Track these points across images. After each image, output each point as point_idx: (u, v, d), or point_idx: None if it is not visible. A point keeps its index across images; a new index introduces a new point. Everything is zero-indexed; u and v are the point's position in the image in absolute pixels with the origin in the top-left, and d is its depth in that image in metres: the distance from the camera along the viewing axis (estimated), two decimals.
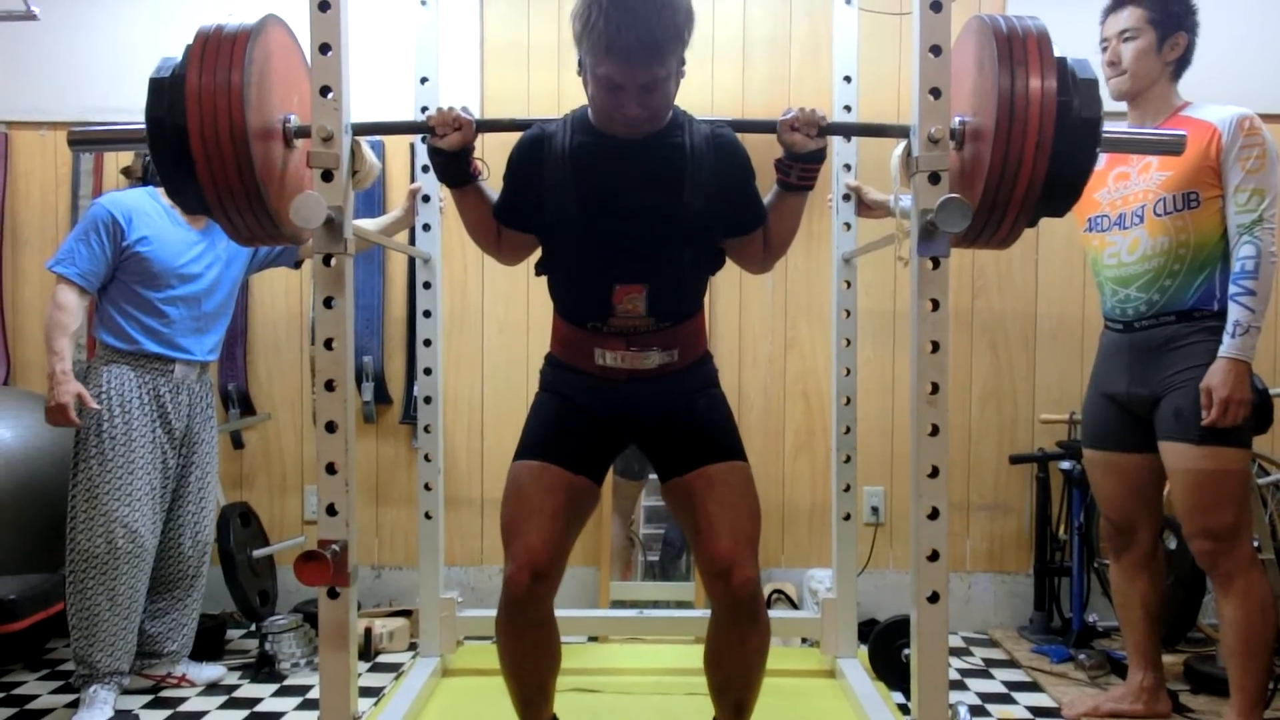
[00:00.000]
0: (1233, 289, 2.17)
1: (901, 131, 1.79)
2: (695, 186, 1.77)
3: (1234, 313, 2.17)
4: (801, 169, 1.78)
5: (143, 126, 1.63)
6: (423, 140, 1.88)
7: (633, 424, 1.87)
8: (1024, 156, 1.60)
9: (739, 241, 1.89)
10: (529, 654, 1.81)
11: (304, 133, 1.72)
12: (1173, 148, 1.83)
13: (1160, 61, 2.31)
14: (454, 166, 1.80)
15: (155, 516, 2.55)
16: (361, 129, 1.92)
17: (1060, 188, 1.64)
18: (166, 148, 1.62)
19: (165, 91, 1.61)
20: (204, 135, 1.58)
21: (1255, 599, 2.21)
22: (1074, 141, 1.62)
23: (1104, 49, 2.37)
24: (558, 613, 2.78)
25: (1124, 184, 2.36)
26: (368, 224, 2.73)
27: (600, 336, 1.81)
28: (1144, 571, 2.45)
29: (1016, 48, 1.61)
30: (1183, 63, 2.33)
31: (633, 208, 1.76)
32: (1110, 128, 1.69)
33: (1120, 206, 2.35)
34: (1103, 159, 2.44)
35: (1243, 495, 2.23)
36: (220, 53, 1.59)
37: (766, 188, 1.88)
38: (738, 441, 1.86)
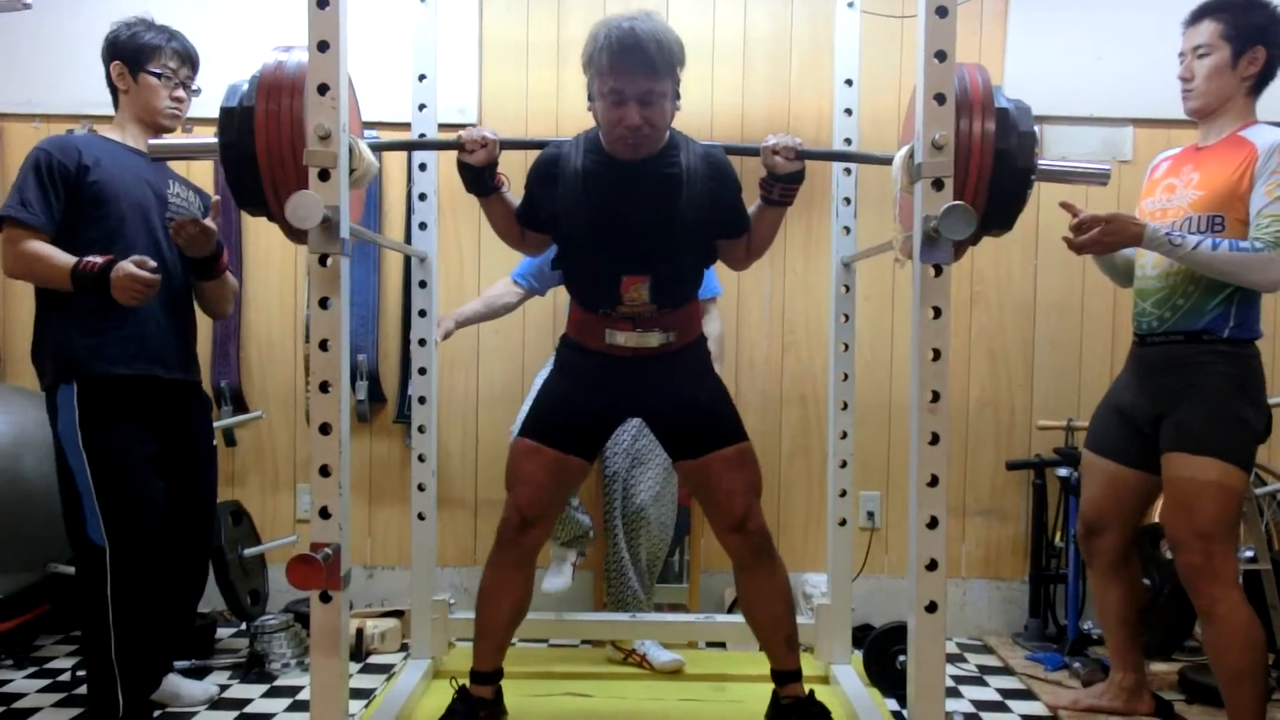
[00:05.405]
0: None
1: (882, 160, 1.92)
2: (690, 199, 2.05)
3: (1201, 239, 2.10)
4: (782, 188, 2.07)
5: (215, 141, 1.85)
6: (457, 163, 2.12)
7: (638, 401, 2.18)
8: (966, 186, 1.76)
9: (726, 243, 2.21)
10: (500, 589, 2.17)
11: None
12: (1098, 180, 1.91)
13: (1236, 78, 2.20)
14: (480, 179, 2.09)
15: None
16: (397, 146, 2.20)
17: (998, 216, 1.84)
18: (236, 160, 1.82)
19: (235, 117, 1.80)
20: (269, 151, 1.78)
21: (1239, 627, 2.14)
22: (1010, 174, 1.80)
23: (1181, 62, 2.27)
24: (551, 615, 2.77)
25: (1169, 196, 2.30)
26: None
27: (611, 320, 2.11)
28: (1116, 578, 2.47)
29: (963, 98, 1.75)
30: (1263, 78, 2.22)
31: (636, 219, 2.04)
32: (1044, 162, 1.85)
33: (1158, 218, 2.29)
34: (1162, 167, 2.39)
35: (1231, 511, 2.15)
36: (282, 85, 1.78)
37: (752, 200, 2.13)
38: (740, 423, 2.19)
